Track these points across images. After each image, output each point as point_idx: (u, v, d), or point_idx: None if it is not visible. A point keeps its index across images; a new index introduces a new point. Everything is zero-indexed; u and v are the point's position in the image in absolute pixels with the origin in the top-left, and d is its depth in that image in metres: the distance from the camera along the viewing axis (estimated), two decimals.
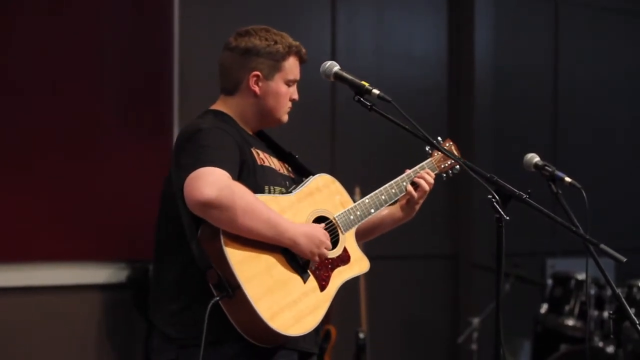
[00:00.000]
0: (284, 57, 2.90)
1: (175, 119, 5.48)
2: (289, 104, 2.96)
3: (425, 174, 3.12)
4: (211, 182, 2.55)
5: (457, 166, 3.26)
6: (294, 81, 2.95)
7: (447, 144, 3.31)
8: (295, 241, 2.70)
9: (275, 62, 2.89)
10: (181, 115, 5.50)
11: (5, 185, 5.01)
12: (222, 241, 2.59)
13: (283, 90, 2.91)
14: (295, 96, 2.97)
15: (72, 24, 5.21)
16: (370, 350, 5.82)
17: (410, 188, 3.08)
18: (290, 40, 2.93)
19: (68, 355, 5.24)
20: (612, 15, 7.60)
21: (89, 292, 5.30)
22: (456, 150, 3.34)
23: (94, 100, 5.27)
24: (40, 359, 5.16)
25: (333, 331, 5.57)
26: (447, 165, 3.25)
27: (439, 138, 3.22)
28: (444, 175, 3.27)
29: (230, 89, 2.93)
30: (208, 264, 2.60)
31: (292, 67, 2.93)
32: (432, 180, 3.12)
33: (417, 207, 3.14)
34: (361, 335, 5.74)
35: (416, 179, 3.09)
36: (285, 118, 2.97)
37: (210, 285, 2.60)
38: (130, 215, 5.30)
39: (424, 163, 3.19)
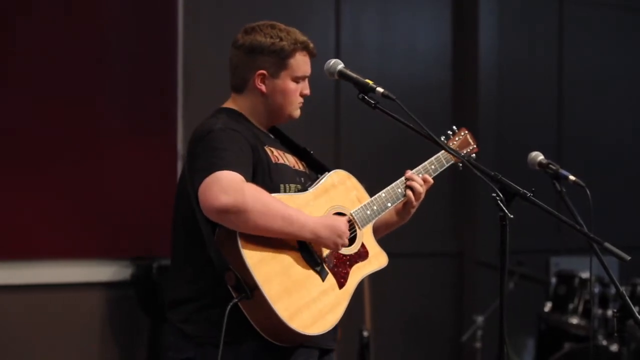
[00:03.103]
0: (289, 54, 2.85)
1: (179, 118, 5.48)
2: (300, 100, 2.92)
3: (413, 180, 3.04)
4: (225, 188, 2.54)
5: (473, 155, 3.26)
6: (303, 77, 2.90)
7: (462, 133, 3.30)
8: (317, 234, 2.69)
9: (280, 60, 2.84)
10: (185, 114, 5.50)
11: (8, 184, 5.02)
12: (239, 243, 2.58)
13: (290, 88, 2.88)
14: (306, 91, 2.92)
15: (75, 25, 5.21)
16: (374, 348, 5.82)
17: (409, 193, 3.03)
18: (298, 35, 2.88)
19: (72, 353, 5.24)
20: (616, 13, 7.58)
21: (92, 289, 5.30)
22: (471, 139, 3.33)
23: (96, 98, 5.28)
24: (44, 356, 5.16)
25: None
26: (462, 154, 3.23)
27: (454, 127, 3.24)
28: (460, 164, 3.24)
29: (238, 87, 2.91)
30: (226, 266, 2.59)
31: (299, 63, 2.88)
32: (420, 187, 3.04)
33: (413, 210, 3.09)
34: (365, 333, 5.74)
35: (408, 184, 3.04)
36: (296, 114, 2.93)
37: (229, 287, 2.59)
38: (134, 213, 5.30)
39: (439, 154, 3.17)
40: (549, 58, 7.24)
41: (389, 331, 6.32)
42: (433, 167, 3.14)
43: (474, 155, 3.28)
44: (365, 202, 2.94)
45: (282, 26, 2.90)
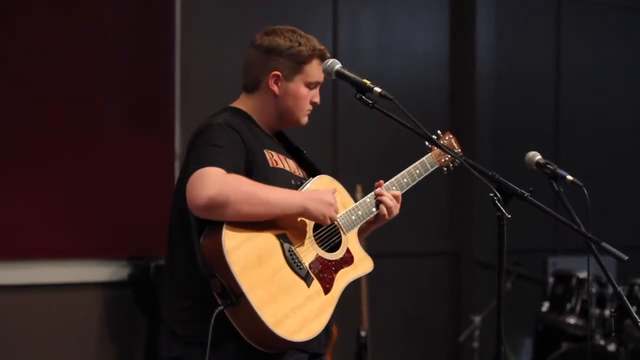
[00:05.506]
0: (306, 59, 2.88)
1: (176, 118, 5.49)
2: (309, 107, 2.94)
3: (383, 195, 3.01)
4: (207, 184, 2.57)
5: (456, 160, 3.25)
6: (315, 84, 2.93)
7: (447, 137, 3.33)
8: (304, 207, 2.72)
9: (296, 64, 2.88)
10: (183, 114, 5.50)
11: (8, 184, 5.02)
12: (224, 250, 2.59)
13: (302, 93, 2.90)
14: (317, 99, 2.95)
15: (73, 22, 5.21)
16: (371, 348, 5.82)
17: (382, 208, 3.00)
18: (315, 43, 2.92)
19: (70, 353, 5.24)
20: (613, 12, 7.59)
21: (90, 289, 5.30)
22: (456, 143, 3.36)
23: (95, 98, 5.28)
24: (42, 356, 5.16)
25: (334, 329, 5.57)
26: (447, 159, 3.24)
27: (438, 132, 3.25)
28: (445, 168, 3.25)
29: (251, 87, 2.93)
30: (211, 273, 2.61)
31: (314, 70, 2.90)
32: (391, 202, 3.00)
33: (383, 223, 3.07)
34: (362, 333, 5.74)
35: (379, 199, 3.01)
36: (304, 120, 2.95)
37: (215, 294, 2.61)
38: (132, 213, 5.30)
39: (423, 158, 3.18)
40: (547, 58, 7.25)
41: (387, 331, 6.32)
42: (417, 171, 3.15)
43: (457, 161, 3.27)
44: (350, 207, 2.95)
45: (302, 32, 2.94)
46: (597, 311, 5.51)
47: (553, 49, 7.27)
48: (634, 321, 2.64)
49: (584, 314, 5.61)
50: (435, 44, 6.72)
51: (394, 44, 6.50)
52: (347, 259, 2.89)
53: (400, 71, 6.47)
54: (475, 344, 5.93)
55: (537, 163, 2.96)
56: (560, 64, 7.30)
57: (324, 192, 2.80)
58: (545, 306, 5.82)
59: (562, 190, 2.88)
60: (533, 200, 2.62)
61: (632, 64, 7.67)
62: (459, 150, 3.35)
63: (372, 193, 3.02)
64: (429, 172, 3.19)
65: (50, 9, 5.16)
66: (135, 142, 5.33)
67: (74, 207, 5.17)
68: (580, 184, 2.86)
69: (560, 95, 7.31)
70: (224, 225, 2.62)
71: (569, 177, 2.90)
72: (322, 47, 2.93)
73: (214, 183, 2.58)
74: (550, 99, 7.27)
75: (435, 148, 3.20)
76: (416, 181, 3.14)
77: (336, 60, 2.88)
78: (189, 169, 2.66)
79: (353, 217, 2.94)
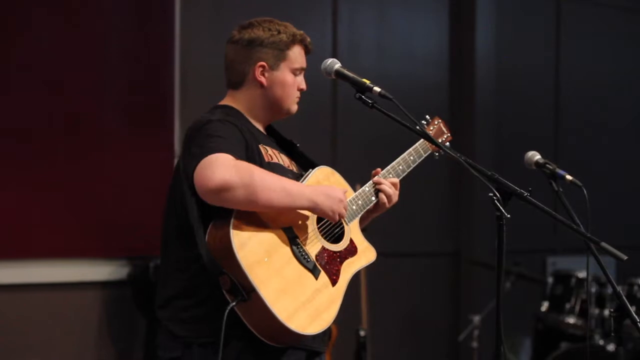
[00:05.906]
0: (288, 46, 2.91)
1: (176, 118, 5.48)
2: (297, 94, 2.96)
3: (382, 184, 3.03)
4: (218, 167, 2.54)
5: (447, 143, 3.29)
6: (300, 70, 2.95)
7: (436, 122, 3.37)
8: (314, 201, 2.71)
9: (279, 52, 2.90)
10: (182, 114, 5.50)
11: (5, 183, 5.01)
12: (233, 247, 2.58)
13: (290, 80, 2.92)
14: (303, 86, 2.97)
15: (73, 22, 5.21)
16: (371, 347, 5.82)
17: (382, 196, 3.02)
18: (294, 29, 2.95)
19: (68, 353, 5.24)
20: (613, 12, 7.59)
21: (89, 289, 5.30)
22: (444, 127, 3.38)
23: (94, 97, 5.27)
24: (40, 356, 5.16)
25: (333, 328, 5.57)
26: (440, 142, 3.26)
27: (427, 117, 3.28)
28: (436, 154, 3.26)
29: (236, 83, 2.93)
30: (219, 270, 2.59)
31: (297, 55, 2.93)
32: (390, 189, 3.03)
33: (383, 211, 3.09)
34: (362, 333, 5.74)
35: (378, 187, 3.03)
36: (294, 108, 2.97)
37: (224, 291, 2.60)
38: (131, 212, 5.30)
39: (416, 144, 3.20)
40: (546, 57, 7.25)
41: (386, 331, 6.32)
42: (412, 158, 3.18)
43: (448, 143, 3.31)
44: (350, 198, 2.95)
45: (278, 21, 2.97)
46: (596, 311, 5.52)
47: (552, 49, 7.27)
48: (633, 321, 2.64)
49: (583, 313, 5.62)
50: (435, 44, 6.72)
51: (394, 43, 6.50)
52: (351, 250, 2.90)
53: (400, 71, 6.47)
54: (475, 344, 5.94)
55: (537, 162, 2.97)
56: (560, 63, 7.30)
57: (333, 188, 2.80)
58: (545, 306, 5.82)
59: (561, 190, 2.88)
60: (533, 200, 2.62)
61: (632, 64, 7.68)
62: (449, 134, 3.38)
63: (370, 182, 3.04)
64: (422, 157, 3.21)
65: (50, 9, 5.16)
66: (135, 142, 5.33)
67: (74, 207, 5.16)
68: (580, 184, 2.87)
69: (560, 95, 7.32)
70: (231, 222, 2.61)
71: (569, 177, 2.90)
72: (301, 32, 2.96)
73: (227, 166, 2.55)
74: (550, 99, 7.28)
75: (428, 132, 3.21)
76: (411, 167, 3.16)
77: (335, 60, 2.89)
78: (193, 159, 2.62)
79: (354, 207, 2.94)
